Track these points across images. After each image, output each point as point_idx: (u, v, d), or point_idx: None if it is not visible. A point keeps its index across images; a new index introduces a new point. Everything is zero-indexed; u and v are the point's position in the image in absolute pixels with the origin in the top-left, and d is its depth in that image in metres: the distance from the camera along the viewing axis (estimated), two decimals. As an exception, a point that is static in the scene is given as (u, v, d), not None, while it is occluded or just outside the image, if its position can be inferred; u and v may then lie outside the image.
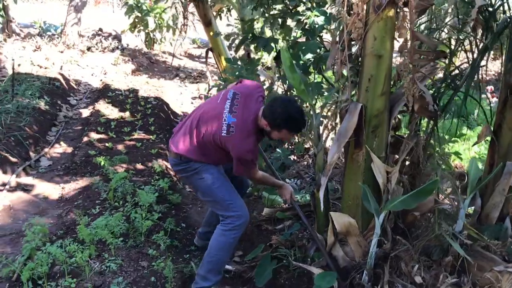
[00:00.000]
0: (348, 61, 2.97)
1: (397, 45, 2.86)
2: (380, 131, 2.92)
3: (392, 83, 3.02)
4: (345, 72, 2.98)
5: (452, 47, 3.02)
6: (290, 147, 5.44)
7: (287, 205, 3.85)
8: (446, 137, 3.88)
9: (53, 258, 2.84)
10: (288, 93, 4.60)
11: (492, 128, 3.01)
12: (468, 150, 5.05)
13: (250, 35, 4.66)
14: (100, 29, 13.24)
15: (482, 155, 5.06)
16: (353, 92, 3.05)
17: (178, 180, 4.77)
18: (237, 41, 4.82)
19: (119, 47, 11.56)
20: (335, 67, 3.04)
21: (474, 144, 3.93)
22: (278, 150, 5.08)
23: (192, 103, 8.54)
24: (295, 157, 5.27)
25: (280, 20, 4.46)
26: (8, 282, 2.84)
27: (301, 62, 4.33)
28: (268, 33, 4.90)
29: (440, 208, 2.86)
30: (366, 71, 2.86)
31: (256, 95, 2.96)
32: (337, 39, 3.01)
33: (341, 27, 2.96)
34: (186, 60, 12.59)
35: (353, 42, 2.99)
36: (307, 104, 3.21)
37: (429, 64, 2.92)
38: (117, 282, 2.70)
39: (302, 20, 4.17)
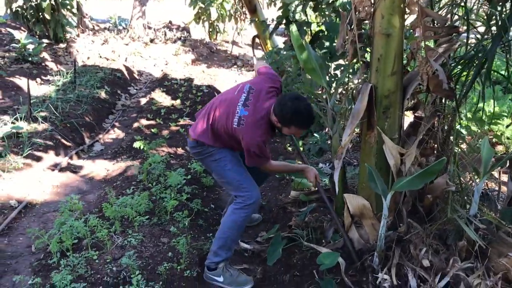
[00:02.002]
0: (359, 41, 2.92)
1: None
2: (392, 112, 2.86)
3: (406, 62, 2.92)
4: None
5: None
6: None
7: (313, 187, 3.85)
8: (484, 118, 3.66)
9: (77, 232, 3.09)
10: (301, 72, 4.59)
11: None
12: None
13: (285, 19, 4.67)
14: (170, 22, 13.83)
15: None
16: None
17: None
18: (271, 27, 4.85)
19: (181, 38, 11.97)
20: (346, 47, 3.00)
21: (508, 126, 3.67)
22: (315, 134, 5.07)
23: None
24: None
25: (312, 3, 4.43)
26: (44, 253, 3.15)
27: (334, 44, 4.29)
28: (303, 17, 4.89)
29: (453, 191, 2.74)
30: (375, 50, 2.80)
31: (269, 89, 3.03)
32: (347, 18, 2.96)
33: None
34: (248, 48, 12.74)
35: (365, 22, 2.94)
36: (321, 86, 3.18)
37: (445, 41, 2.78)
38: (129, 255, 2.88)
39: (331, 1, 4.11)
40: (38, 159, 4.53)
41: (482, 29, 2.90)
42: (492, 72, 2.69)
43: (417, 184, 2.57)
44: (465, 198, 2.87)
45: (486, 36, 2.80)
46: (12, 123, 5.02)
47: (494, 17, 2.71)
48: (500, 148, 4.61)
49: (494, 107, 3.50)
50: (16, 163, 4.24)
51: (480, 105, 3.31)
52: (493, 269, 2.58)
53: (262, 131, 2.87)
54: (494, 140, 4.56)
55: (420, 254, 2.67)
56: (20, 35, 8.24)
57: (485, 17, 2.74)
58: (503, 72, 4.53)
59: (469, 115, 4.31)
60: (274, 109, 2.86)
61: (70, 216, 3.33)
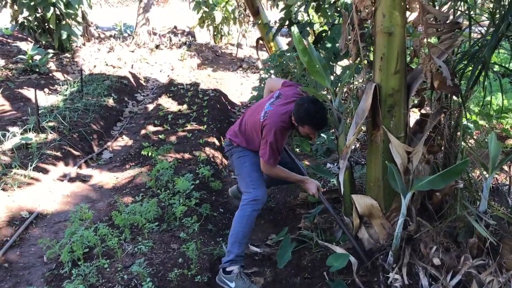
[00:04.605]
0: (361, 40, 2.91)
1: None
2: (397, 111, 2.84)
3: (409, 60, 2.91)
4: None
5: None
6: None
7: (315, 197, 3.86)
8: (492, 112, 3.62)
9: (88, 241, 3.11)
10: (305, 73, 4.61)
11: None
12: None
13: (287, 21, 4.67)
14: (175, 27, 13.90)
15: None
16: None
17: (224, 168, 4.93)
18: (274, 29, 4.84)
19: (186, 43, 12.02)
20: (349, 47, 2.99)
21: (516, 120, 3.62)
22: (322, 135, 5.06)
23: (251, 93, 8.68)
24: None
25: (314, 3, 4.42)
26: (55, 263, 3.18)
27: (337, 44, 4.27)
28: (306, 17, 4.88)
29: (462, 187, 2.72)
30: (378, 49, 2.79)
31: (296, 95, 3.38)
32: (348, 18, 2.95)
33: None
34: (253, 50, 12.75)
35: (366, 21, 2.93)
36: (326, 87, 3.18)
37: (447, 38, 2.76)
38: (139, 263, 2.89)
39: (333, 1, 4.10)
40: (48, 169, 4.57)
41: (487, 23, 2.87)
42: (497, 65, 2.66)
43: (439, 184, 2.53)
44: (474, 194, 2.84)
45: (491, 30, 2.77)
46: (21, 134, 5.07)
47: (498, 11, 2.69)
48: (510, 141, 4.56)
49: (502, 100, 3.47)
50: (26, 175, 4.28)
51: (487, 99, 3.28)
52: (506, 266, 2.55)
53: (282, 124, 3.17)
54: (503, 134, 4.52)
55: (430, 252, 2.65)
56: (27, 46, 8.34)
57: (489, 11, 2.72)
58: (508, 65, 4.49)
59: (476, 110, 4.28)
60: (293, 110, 3.16)
61: (80, 226, 3.36)
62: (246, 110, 3.60)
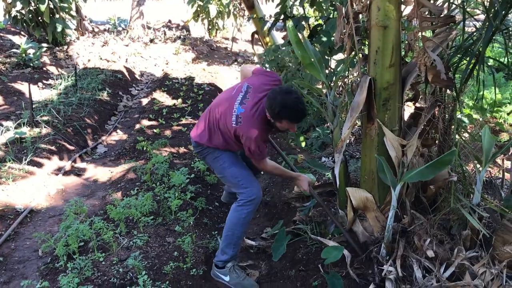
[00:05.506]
0: (356, 34, 2.92)
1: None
2: (391, 104, 2.85)
3: (404, 53, 2.92)
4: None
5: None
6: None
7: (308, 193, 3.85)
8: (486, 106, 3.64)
9: (83, 235, 3.11)
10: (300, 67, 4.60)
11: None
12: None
13: (282, 15, 4.66)
14: (169, 21, 13.85)
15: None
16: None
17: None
18: (269, 24, 4.84)
19: (180, 37, 11.97)
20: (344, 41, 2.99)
21: (510, 113, 3.64)
22: (317, 129, 5.07)
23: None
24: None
25: (309, -3, 4.42)
26: (50, 257, 3.18)
27: (332, 38, 4.28)
28: (301, 11, 4.88)
29: (456, 180, 2.73)
30: (373, 43, 2.79)
31: (268, 87, 2.99)
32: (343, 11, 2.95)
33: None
34: (248, 45, 12.72)
35: (361, 15, 2.94)
36: (321, 81, 3.18)
37: (442, 31, 2.77)
38: (134, 256, 2.90)
39: (328, -5, 4.10)
40: (42, 163, 4.56)
41: (482, 17, 2.89)
42: (492, 59, 2.68)
43: (428, 175, 2.55)
44: (468, 187, 2.86)
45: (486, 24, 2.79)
46: (15, 128, 5.05)
47: (492, 5, 2.70)
48: (503, 135, 4.60)
49: (495, 94, 3.48)
50: (21, 168, 4.27)
51: (481, 93, 3.31)
52: (498, 257, 2.58)
53: (259, 127, 2.87)
54: (497, 127, 4.55)
55: (424, 245, 2.67)
56: (20, 40, 8.27)
57: (484, 5, 2.73)
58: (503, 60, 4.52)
59: (470, 103, 4.30)
60: (266, 104, 2.84)
61: (75, 219, 3.35)
62: (211, 104, 3.19)
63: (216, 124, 3.02)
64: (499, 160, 3.64)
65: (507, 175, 3.43)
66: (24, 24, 9.30)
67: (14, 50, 8.40)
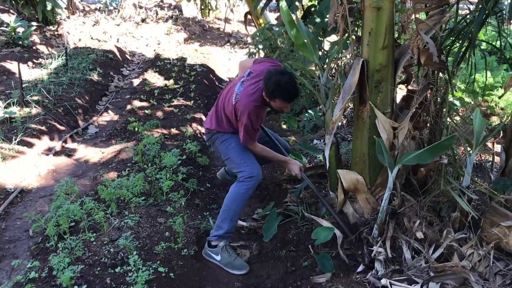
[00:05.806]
0: (350, 15, 2.89)
1: None
2: (384, 86, 2.85)
3: (396, 35, 2.90)
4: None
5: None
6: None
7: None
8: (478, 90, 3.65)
9: (74, 215, 3.10)
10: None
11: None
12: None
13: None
14: (161, 0, 13.62)
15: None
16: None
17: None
18: (262, 4, 4.78)
19: (173, 17, 11.83)
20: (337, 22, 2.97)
21: (501, 96, 3.65)
22: (310, 111, 5.06)
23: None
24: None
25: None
26: (41, 237, 3.17)
27: (326, 19, 4.24)
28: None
29: (446, 163, 2.75)
30: (366, 24, 2.78)
31: (266, 69, 3.12)
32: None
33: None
34: (241, 25, 12.60)
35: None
36: (314, 63, 3.16)
37: (435, 14, 2.75)
38: (125, 236, 2.90)
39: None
40: (32, 143, 4.52)
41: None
42: (484, 43, 2.67)
43: (426, 159, 2.55)
44: (458, 170, 2.88)
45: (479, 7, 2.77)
46: (5, 108, 4.99)
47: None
48: (494, 119, 4.62)
49: (486, 78, 3.49)
50: (11, 148, 4.23)
51: (473, 76, 3.31)
52: (486, 239, 2.62)
53: (255, 103, 3.03)
54: (488, 111, 4.57)
55: (414, 226, 2.70)
56: (9, 18, 8.12)
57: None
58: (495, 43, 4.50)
59: (462, 87, 4.30)
60: (262, 84, 3.02)
61: (66, 200, 3.34)
62: (220, 93, 3.42)
63: (223, 109, 3.24)
64: (489, 144, 3.66)
65: (497, 158, 3.45)
66: (13, 2, 9.12)
67: (3, 28, 8.25)
